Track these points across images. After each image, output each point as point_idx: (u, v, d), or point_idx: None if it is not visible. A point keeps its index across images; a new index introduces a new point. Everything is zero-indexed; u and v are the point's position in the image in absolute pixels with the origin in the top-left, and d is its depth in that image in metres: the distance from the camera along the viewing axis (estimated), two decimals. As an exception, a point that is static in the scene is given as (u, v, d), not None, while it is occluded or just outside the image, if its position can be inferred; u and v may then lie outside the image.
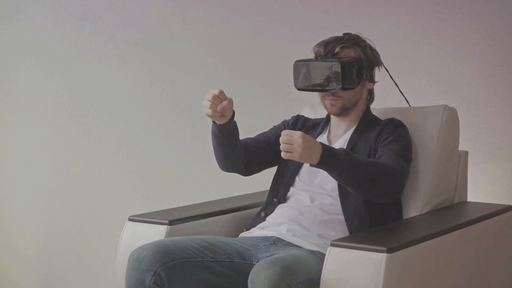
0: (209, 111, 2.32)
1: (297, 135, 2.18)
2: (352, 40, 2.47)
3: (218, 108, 2.30)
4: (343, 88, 2.39)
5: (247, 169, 2.56)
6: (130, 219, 2.49)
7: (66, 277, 3.88)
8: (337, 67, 2.38)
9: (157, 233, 2.42)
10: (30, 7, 3.87)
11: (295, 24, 3.30)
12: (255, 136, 2.61)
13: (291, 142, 2.18)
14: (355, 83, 2.42)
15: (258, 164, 2.57)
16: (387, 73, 2.58)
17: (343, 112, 2.48)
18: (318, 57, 2.46)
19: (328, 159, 2.21)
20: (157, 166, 3.64)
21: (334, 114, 2.50)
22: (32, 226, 3.95)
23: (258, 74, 3.40)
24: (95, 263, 3.79)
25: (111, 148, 3.74)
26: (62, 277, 3.90)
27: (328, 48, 2.46)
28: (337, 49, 2.45)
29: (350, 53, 2.45)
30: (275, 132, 2.59)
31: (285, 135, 2.20)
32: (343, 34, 2.50)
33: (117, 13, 3.69)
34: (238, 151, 2.48)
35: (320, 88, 2.43)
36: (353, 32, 2.50)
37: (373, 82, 2.51)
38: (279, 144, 2.54)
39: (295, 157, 2.19)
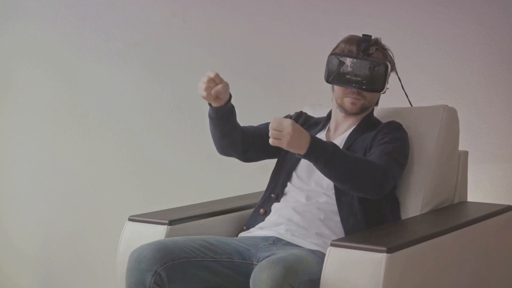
0: (204, 93, 2.35)
1: (287, 122, 2.19)
2: (380, 44, 2.49)
3: (213, 91, 2.33)
4: (381, 89, 2.41)
5: (246, 156, 2.57)
6: (130, 219, 2.49)
7: (66, 277, 3.88)
8: (382, 68, 2.40)
9: (157, 233, 2.42)
10: (30, 7, 3.87)
11: (295, 24, 3.30)
12: (258, 125, 2.62)
13: (280, 129, 2.19)
14: (383, 86, 2.44)
15: (257, 152, 2.57)
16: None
17: (361, 112, 2.49)
18: (358, 54, 2.45)
19: (316, 151, 2.21)
20: (157, 166, 3.64)
21: (351, 113, 2.49)
22: (32, 226, 3.95)
23: (258, 74, 3.40)
24: (95, 263, 3.79)
25: (111, 148, 3.74)
26: (62, 277, 3.90)
27: (362, 47, 2.46)
28: (371, 50, 2.46)
29: (379, 56, 2.47)
30: None
31: (275, 122, 2.20)
32: (363, 35, 2.50)
33: (117, 13, 3.69)
34: (235, 134, 2.49)
35: (357, 85, 2.42)
36: (373, 36, 2.51)
37: (387, 88, 2.50)
38: None
39: (283, 144, 2.19)
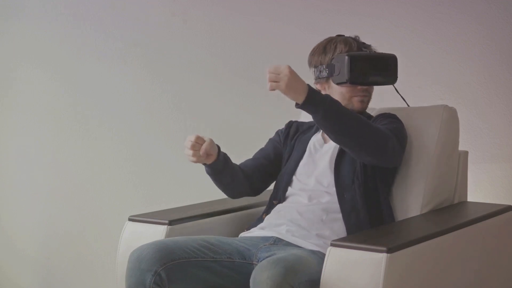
0: (194, 159, 2.35)
1: (284, 66, 2.17)
2: (360, 43, 2.50)
3: (201, 152, 2.34)
4: (396, 80, 2.42)
5: (254, 190, 2.59)
6: (130, 219, 2.49)
7: (66, 277, 3.88)
8: (394, 59, 2.40)
9: (157, 233, 2.42)
10: (30, 7, 3.87)
11: (295, 24, 3.30)
12: (254, 156, 2.63)
13: (277, 72, 2.17)
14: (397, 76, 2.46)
15: (263, 181, 2.59)
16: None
17: (366, 108, 2.50)
18: (364, 49, 2.45)
19: (314, 98, 2.17)
20: (157, 166, 3.64)
21: (361, 110, 2.49)
22: (32, 226, 3.95)
23: (258, 74, 3.40)
24: (95, 263, 3.79)
25: (111, 148, 3.74)
26: (62, 277, 3.90)
27: (354, 44, 2.46)
28: (365, 45, 2.48)
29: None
30: (273, 146, 2.63)
31: (271, 66, 2.18)
32: (337, 35, 2.52)
33: (117, 13, 3.69)
34: (237, 179, 2.51)
35: (376, 81, 2.41)
36: (346, 34, 2.52)
37: None
38: (279, 159, 2.55)
39: (281, 87, 2.16)
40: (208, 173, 2.46)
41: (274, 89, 2.19)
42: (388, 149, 2.30)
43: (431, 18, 3.05)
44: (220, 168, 2.44)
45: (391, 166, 2.41)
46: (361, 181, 2.37)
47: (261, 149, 2.65)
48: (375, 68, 2.40)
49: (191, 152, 2.34)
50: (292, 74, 2.16)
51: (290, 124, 2.66)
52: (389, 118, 2.45)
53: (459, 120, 2.59)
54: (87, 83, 3.78)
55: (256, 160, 2.60)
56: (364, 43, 2.50)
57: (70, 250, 3.86)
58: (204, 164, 2.43)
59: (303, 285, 2.05)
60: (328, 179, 2.41)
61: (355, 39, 2.50)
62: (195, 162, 2.37)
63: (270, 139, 2.67)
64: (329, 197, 2.41)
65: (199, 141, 2.34)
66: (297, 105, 2.21)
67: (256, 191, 2.60)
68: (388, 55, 2.42)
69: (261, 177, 2.57)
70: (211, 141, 2.36)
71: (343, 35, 2.52)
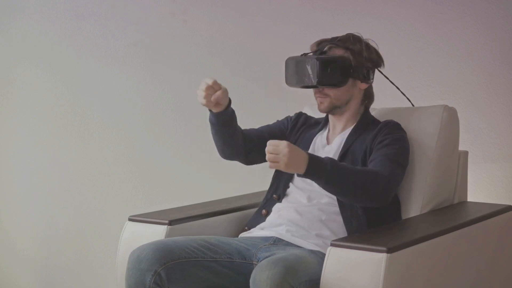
0: (204, 101, 2.36)
1: (282, 145, 2.17)
2: (345, 41, 2.47)
3: (212, 98, 2.34)
4: (319, 84, 2.40)
5: (248, 158, 2.57)
6: (130, 219, 2.49)
7: (66, 277, 3.88)
8: (314, 63, 2.39)
9: (157, 233, 2.42)
10: (30, 7, 3.87)
11: (295, 24, 3.30)
12: (259, 128, 2.62)
13: (276, 152, 2.18)
14: (339, 81, 2.42)
15: (258, 154, 2.56)
16: (385, 73, 2.58)
17: (331, 110, 2.48)
18: (303, 54, 2.47)
19: (315, 169, 2.20)
20: (157, 166, 3.64)
21: (322, 112, 2.51)
22: (32, 226, 3.95)
23: (258, 74, 3.40)
24: (95, 263, 3.79)
25: (111, 148, 3.74)
26: (62, 277, 3.90)
27: (319, 47, 2.47)
28: (325, 48, 2.47)
29: (339, 52, 2.46)
30: (279, 127, 2.62)
31: (270, 145, 2.19)
32: (346, 34, 2.50)
33: (117, 13, 3.69)
34: (237, 139, 2.50)
35: (301, 84, 2.45)
36: (356, 33, 2.50)
37: (367, 83, 2.49)
38: (283, 137, 2.55)
39: (281, 166, 2.18)
40: (211, 121, 2.45)
41: (274, 168, 2.21)
42: (391, 196, 2.33)
43: (431, 18, 3.05)
44: (224, 120, 2.43)
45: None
46: None
47: (268, 125, 2.64)
48: (300, 71, 2.44)
49: (203, 93, 2.34)
50: (291, 152, 2.17)
51: (300, 114, 2.65)
52: (393, 135, 2.42)
53: (459, 120, 2.59)
54: (87, 83, 3.78)
55: (260, 132, 2.59)
56: (338, 45, 2.48)
57: (70, 250, 3.86)
58: (210, 110, 2.42)
59: (303, 285, 2.05)
60: None
61: (325, 40, 2.50)
62: (204, 104, 2.37)
63: (278, 120, 2.66)
64: (328, 198, 2.41)
65: (215, 86, 2.34)
66: (299, 175, 2.22)
67: (250, 161, 2.59)
68: (310, 58, 2.41)
69: (259, 148, 2.52)
70: (226, 92, 2.36)
71: (336, 37, 2.52)
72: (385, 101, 2.70)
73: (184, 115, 3.56)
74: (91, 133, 3.78)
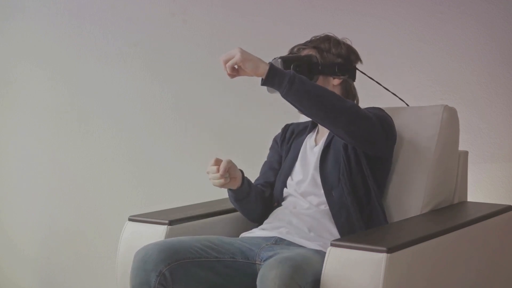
0: (222, 181, 2.33)
1: (233, 49, 2.20)
2: (313, 42, 2.51)
3: (221, 171, 2.31)
4: None
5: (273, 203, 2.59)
6: (130, 219, 2.49)
7: (66, 277, 3.88)
8: (276, 62, 2.42)
9: (157, 233, 2.42)
10: (30, 7, 3.87)
11: (295, 24, 3.30)
12: (261, 174, 2.63)
13: (230, 55, 2.21)
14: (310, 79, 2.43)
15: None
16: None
17: None
18: (274, 58, 2.48)
19: (276, 71, 2.19)
20: (157, 166, 3.64)
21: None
22: (32, 226, 3.95)
23: (258, 74, 3.40)
24: (95, 263, 3.79)
25: (111, 148, 3.74)
26: (62, 277, 3.90)
27: (291, 51, 2.53)
28: (295, 49, 2.51)
29: (307, 52, 2.50)
30: (275, 152, 2.64)
31: (221, 57, 2.22)
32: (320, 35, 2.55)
33: (117, 13, 3.69)
34: (260, 201, 2.51)
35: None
36: (331, 34, 2.53)
37: (339, 78, 2.48)
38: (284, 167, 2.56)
39: (237, 57, 2.20)
40: (234, 199, 2.46)
41: (233, 73, 2.24)
42: (367, 126, 2.28)
43: (431, 18, 3.05)
44: (245, 192, 2.44)
45: (376, 152, 2.37)
46: (347, 178, 2.37)
47: (265, 163, 2.65)
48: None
49: (216, 175, 2.31)
50: (243, 50, 2.20)
51: (286, 128, 2.67)
52: (374, 110, 2.42)
53: (459, 120, 2.59)
54: (87, 82, 3.78)
55: (265, 179, 2.60)
56: (306, 46, 2.51)
57: (70, 250, 3.86)
58: (230, 191, 2.43)
59: (310, 285, 2.05)
60: (318, 179, 2.41)
61: (308, 41, 2.52)
62: (223, 184, 2.34)
63: (270, 148, 2.67)
64: (321, 198, 2.41)
65: (217, 162, 2.33)
66: (262, 81, 2.22)
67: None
68: (275, 60, 2.43)
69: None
70: (231, 161, 2.34)
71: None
72: (385, 101, 2.70)
73: (184, 115, 3.56)
74: (91, 133, 3.78)
